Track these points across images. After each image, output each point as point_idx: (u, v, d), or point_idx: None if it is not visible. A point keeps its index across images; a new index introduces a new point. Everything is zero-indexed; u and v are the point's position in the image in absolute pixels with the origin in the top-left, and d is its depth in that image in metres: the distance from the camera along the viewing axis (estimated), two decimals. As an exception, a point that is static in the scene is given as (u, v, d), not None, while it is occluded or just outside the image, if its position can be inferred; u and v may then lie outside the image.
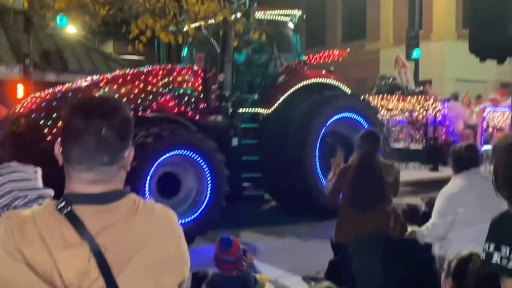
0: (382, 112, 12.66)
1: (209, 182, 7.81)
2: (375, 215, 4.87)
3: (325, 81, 10.11)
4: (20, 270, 1.59)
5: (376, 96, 13.49)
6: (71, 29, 6.96)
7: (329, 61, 10.92)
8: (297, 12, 10.22)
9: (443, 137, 13.42)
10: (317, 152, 9.34)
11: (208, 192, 7.84)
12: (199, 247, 7.16)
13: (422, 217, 5.52)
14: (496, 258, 2.28)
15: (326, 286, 3.65)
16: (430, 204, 5.08)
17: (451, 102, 14.11)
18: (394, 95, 13.73)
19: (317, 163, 9.36)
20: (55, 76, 16.21)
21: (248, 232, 8.64)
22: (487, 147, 13.39)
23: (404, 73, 19.27)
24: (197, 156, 7.57)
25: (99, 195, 1.69)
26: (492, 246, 2.38)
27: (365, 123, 9.72)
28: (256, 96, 9.95)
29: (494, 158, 2.58)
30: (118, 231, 1.67)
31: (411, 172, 14.34)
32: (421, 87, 16.20)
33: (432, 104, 13.35)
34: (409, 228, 4.97)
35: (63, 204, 1.66)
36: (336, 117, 9.55)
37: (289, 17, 10.10)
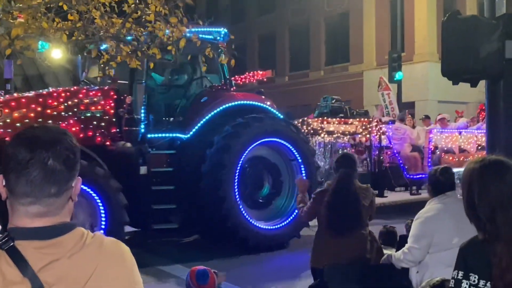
0: (322, 135, 12.37)
1: (103, 213, 7.09)
2: (352, 240, 4.85)
3: (251, 103, 9.38)
4: None
5: (316, 119, 12.79)
6: (56, 53, 6.95)
7: (254, 81, 10.42)
8: (223, 30, 9.05)
9: (388, 161, 12.97)
10: (236, 177, 8.54)
11: (103, 225, 7.14)
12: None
13: (400, 240, 5.50)
14: (464, 286, 2.27)
15: None
16: (408, 227, 5.07)
17: (397, 124, 13.76)
18: (335, 117, 13.01)
19: (236, 190, 8.51)
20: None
21: (222, 259, 8.35)
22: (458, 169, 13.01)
23: (387, 95, 19.47)
24: (85, 185, 6.47)
25: (44, 229, 1.64)
26: (460, 274, 2.36)
27: (293, 148, 9.19)
28: (175, 120, 9.17)
29: (465, 183, 2.56)
30: (62, 268, 1.62)
31: None
32: (364, 110, 15.86)
33: (376, 126, 12.79)
34: (386, 251, 4.95)
35: (5, 239, 1.60)
36: (259, 141, 8.89)
37: (212, 35, 8.92)
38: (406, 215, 10.20)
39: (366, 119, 13.07)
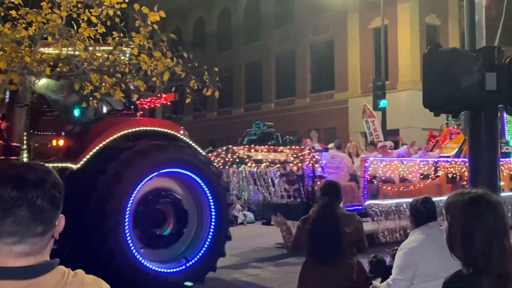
0: (249, 164, 11.22)
1: None
2: (336, 269, 4.79)
3: (157, 130, 8.33)
4: None
5: (243, 146, 11.67)
6: (43, 81, 6.84)
7: (160, 104, 9.31)
8: (128, 49, 7.72)
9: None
10: (127, 210, 7.43)
11: None
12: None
13: (386, 270, 5.46)
14: None
15: None
16: (392, 256, 5.03)
17: (333, 152, 12.78)
18: (264, 145, 12.03)
19: (126, 224, 7.38)
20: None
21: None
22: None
23: (372, 123, 19.60)
24: None
25: (25, 269, 1.61)
26: None
27: (202, 182, 8.20)
28: (64, 148, 7.91)
29: (448, 216, 2.55)
30: None
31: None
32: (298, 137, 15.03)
33: (308, 154, 11.71)
34: (375, 282, 4.90)
35: None
36: (160, 171, 7.84)
37: (115, 56, 7.80)
38: None
39: (298, 147, 12.15)
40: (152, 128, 8.28)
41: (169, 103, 9.90)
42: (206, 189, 8.18)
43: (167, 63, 4.74)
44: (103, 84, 4.86)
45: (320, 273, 4.81)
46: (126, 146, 7.73)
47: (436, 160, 13.48)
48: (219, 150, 10.76)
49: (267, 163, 11.42)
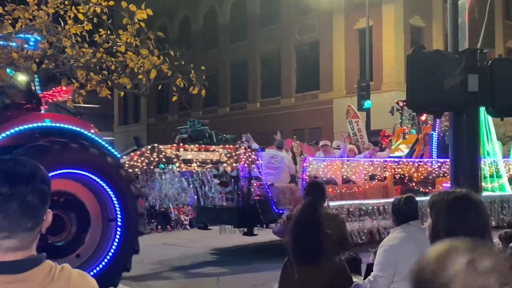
0: (178, 164, 10.30)
1: None
2: (318, 268, 4.81)
3: (62, 127, 7.27)
4: None
5: (170, 145, 10.66)
6: (21, 77, 6.75)
7: (61, 97, 7.72)
8: (32, 37, 6.82)
9: (258, 193, 10.92)
10: None
11: None
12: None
13: (367, 269, 5.49)
14: None
15: None
16: (374, 255, 5.07)
17: (273, 151, 11.95)
18: (195, 144, 11.06)
19: None
20: None
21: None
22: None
23: (356, 123, 19.69)
24: None
25: (14, 263, 1.62)
26: None
27: (106, 186, 7.34)
28: None
29: (432, 213, 2.60)
30: None
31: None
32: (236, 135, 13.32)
33: (244, 154, 10.86)
34: (355, 280, 4.93)
35: None
36: (58, 171, 6.88)
37: (17, 43, 6.89)
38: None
39: (232, 146, 11.14)
40: (54, 125, 7.16)
41: (70, 98, 8.18)
42: (112, 196, 7.29)
43: (154, 61, 4.75)
44: (90, 81, 4.87)
45: (302, 272, 4.83)
46: (21, 143, 6.74)
47: (382, 160, 12.79)
48: (143, 149, 9.84)
49: (198, 163, 10.52)
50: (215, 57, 33.38)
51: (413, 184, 12.51)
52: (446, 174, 12.87)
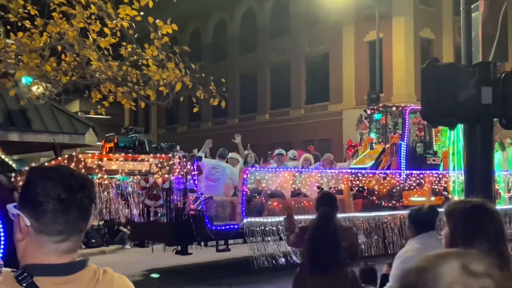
0: (99, 176, 9.19)
1: None
2: (331, 279, 4.85)
3: None
4: None
5: (92, 154, 9.78)
6: (35, 88, 6.86)
7: None
8: None
9: (191, 207, 9.82)
10: None
11: None
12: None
13: (382, 279, 5.53)
14: None
15: None
16: (391, 265, 5.10)
17: (215, 161, 10.95)
18: (124, 153, 10.15)
19: None
20: (18, 136, 16.02)
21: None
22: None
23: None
24: None
25: (63, 266, 1.67)
26: None
27: None
28: None
29: (450, 223, 2.67)
30: None
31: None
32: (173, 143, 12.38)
33: (179, 163, 9.82)
34: None
35: (23, 275, 1.63)
36: None
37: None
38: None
39: (164, 156, 10.15)
40: None
41: None
42: None
43: (178, 74, 4.85)
44: (113, 93, 4.98)
45: (316, 281, 4.86)
46: None
47: (337, 171, 11.82)
48: (60, 158, 9.01)
49: (123, 174, 9.54)
50: (224, 69, 33.49)
51: (374, 197, 11.74)
52: (413, 188, 12.29)
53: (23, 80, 6.60)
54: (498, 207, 12.04)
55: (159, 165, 9.70)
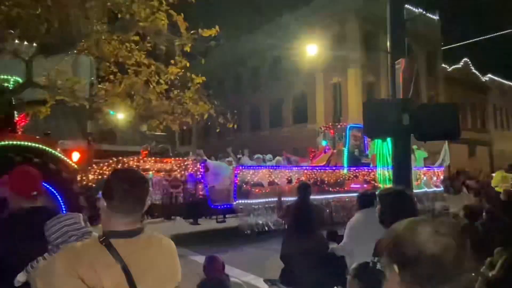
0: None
1: None
2: (309, 237, 4.85)
3: (27, 144, 5.50)
4: (76, 284, 1.56)
5: (132, 158, 9.26)
6: (120, 116, 6.87)
7: (20, 123, 6.01)
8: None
9: (201, 193, 9.87)
10: None
11: None
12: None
13: (339, 238, 5.49)
14: (379, 266, 2.35)
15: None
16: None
17: (217, 162, 10.75)
18: (154, 158, 9.88)
19: None
20: (108, 146, 16.21)
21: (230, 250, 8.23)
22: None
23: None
24: None
25: (128, 232, 1.67)
26: (376, 258, 2.45)
27: (60, 199, 5.48)
28: None
29: (381, 202, 2.68)
30: (139, 255, 1.65)
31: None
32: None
33: (191, 164, 9.78)
34: (331, 245, 4.95)
35: (103, 238, 1.65)
36: None
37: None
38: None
39: (181, 158, 10.21)
40: (23, 143, 5.59)
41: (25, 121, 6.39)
42: (64, 208, 5.69)
43: (206, 108, 4.91)
44: (166, 120, 5.04)
45: (298, 239, 4.87)
46: None
47: (297, 168, 11.48)
48: (110, 161, 8.63)
49: (153, 171, 9.62)
50: (239, 102, 33.46)
51: (325, 185, 11.34)
52: (351, 178, 12.06)
53: (110, 112, 6.63)
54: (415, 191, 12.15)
55: (177, 165, 9.62)
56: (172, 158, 9.92)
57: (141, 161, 9.14)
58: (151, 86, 4.69)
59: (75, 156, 8.85)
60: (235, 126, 6.60)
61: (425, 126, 4.65)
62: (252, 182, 10.10)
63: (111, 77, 4.69)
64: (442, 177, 14.73)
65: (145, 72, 4.59)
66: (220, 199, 9.82)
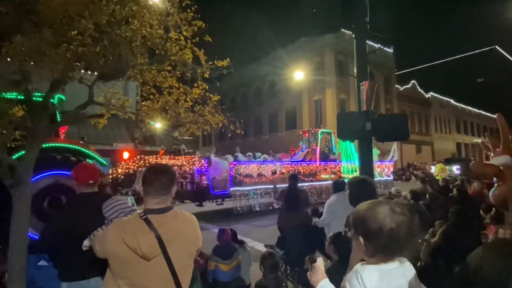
0: None
1: None
2: (296, 213, 4.81)
3: (69, 147, 5.29)
4: (122, 247, 1.57)
5: (151, 157, 8.95)
6: (158, 125, 6.90)
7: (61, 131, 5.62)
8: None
9: (204, 183, 9.53)
10: None
11: None
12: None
13: (320, 214, 5.45)
14: (349, 234, 2.34)
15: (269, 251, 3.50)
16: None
17: (217, 158, 10.11)
18: (168, 156, 9.66)
19: None
20: (149, 148, 16.19)
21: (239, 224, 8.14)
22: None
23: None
24: None
25: (160, 209, 1.66)
26: (347, 229, 2.44)
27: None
28: None
29: (349, 187, 2.67)
30: (169, 226, 1.65)
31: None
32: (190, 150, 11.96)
33: (198, 160, 9.62)
34: (314, 219, 4.93)
35: (142, 214, 1.65)
36: (61, 172, 4.75)
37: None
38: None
39: (189, 156, 9.90)
40: (63, 144, 5.30)
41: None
42: None
43: (221, 118, 4.88)
44: (190, 128, 5.02)
45: (289, 215, 4.81)
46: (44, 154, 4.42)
47: (282, 163, 10.99)
48: (134, 159, 8.47)
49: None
50: (244, 114, 33.37)
51: (301, 176, 10.90)
52: (321, 170, 11.93)
53: (150, 122, 6.67)
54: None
55: (186, 161, 9.48)
56: (183, 156, 9.76)
57: (159, 158, 8.90)
58: (180, 103, 4.69)
59: (125, 154, 8.92)
60: (242, 132, 6.58)
61: (383, 131, 4.62)
62: (244, 174, 9.84)
63: (151, 96, 4.72)
64: (391, 169, 14.72)
65: (175, 93, 4.60)
66: (219, 187, 9.63)
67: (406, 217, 1.18)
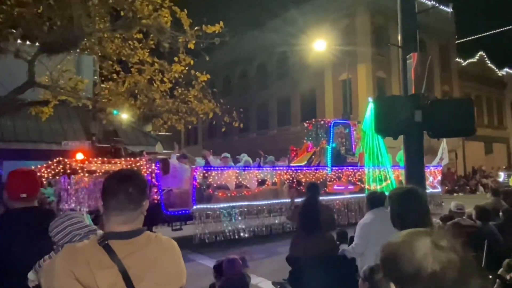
0: (82, 174, 8.26)
1: None
2: (316, 238, 4.83)
3: None
4: (72, 284, 1.58)
5: (75, 159, 8.47)
6: (124, 116, 6.76)
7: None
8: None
9: (155, 198, 8.55)
10: None
11: None
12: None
13: (350, 239, 5.50)
14: (377, 276, 2.34)
15: None
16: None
17: (178, 162, 9.44)
18: (97, 159, 8.75)
19: None
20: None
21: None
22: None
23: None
24: None
25: (126, 233, 1.67)
26: None
27: None
28: None
29: (390, 203, 2.67)
30: (137, 256, 1.65)
31: None
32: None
33: (145, 164, 8.63)
34: (341, 247, 4.94)
35: (101, 239, 1.66)
36: None
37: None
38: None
39: (133, 159, 8.81)
40: None
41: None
42: None
43: (211, 106, 4.91)
44: (170, 119, 5.03)
45: (306, 240, 4.85)
46: None
47: (271, 169, 10.44)
48: (50, 162, 8.12)
49: (101, 173, 8.27)
50: (246, 101, 33.51)
51: (302, 187, 10.06)
52: (333, 180, 11.13)
53: (113, 112, 6.65)
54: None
55: (128, 166, 8.40)
56: (123, 158, 8.78)
57: (86, 162, 8.25)
58: (154, 84, 4.72)
59: (79, 156, 8.79)
60: (241, 125, 6.52)
61: (439, 123, 4.60)
62: (215, 185, 9.10)
63: (114, 76, 4.73)
64: (438, 177, 14.06)
65: (148, 71, 4.61)
66: (176, 203, 8.89)
67: (456, 254, 1.13)
